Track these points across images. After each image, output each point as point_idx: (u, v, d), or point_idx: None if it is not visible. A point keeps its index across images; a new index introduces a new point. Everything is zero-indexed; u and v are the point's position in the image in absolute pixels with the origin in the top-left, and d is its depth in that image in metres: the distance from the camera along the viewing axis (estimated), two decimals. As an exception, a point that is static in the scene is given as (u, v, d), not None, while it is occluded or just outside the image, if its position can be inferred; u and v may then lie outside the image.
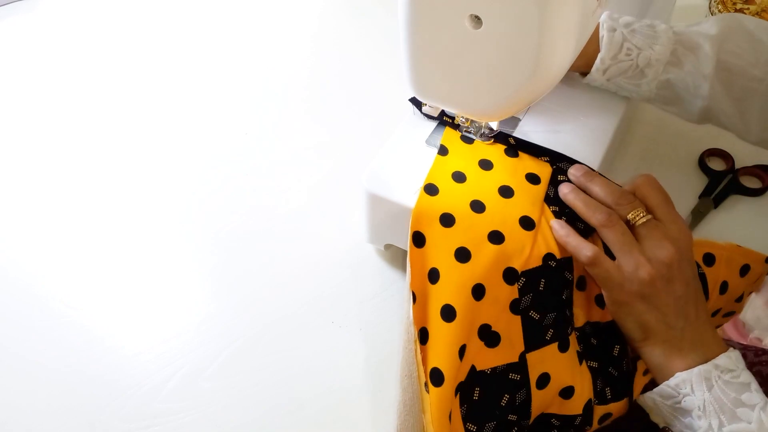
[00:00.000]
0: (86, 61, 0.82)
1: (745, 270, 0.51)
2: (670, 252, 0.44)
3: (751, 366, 0.46)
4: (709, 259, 0.50)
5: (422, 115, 0.56)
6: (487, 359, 0.45)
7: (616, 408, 0.48)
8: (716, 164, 0.68)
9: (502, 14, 0.39)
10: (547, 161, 0.52)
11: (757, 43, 0.52)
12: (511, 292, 0.46)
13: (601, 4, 0.44)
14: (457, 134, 0.54)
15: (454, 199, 0.48)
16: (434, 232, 0.46)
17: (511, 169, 0.51)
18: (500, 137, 0.53)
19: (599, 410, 0.47)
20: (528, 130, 0.57)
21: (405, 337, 0.45)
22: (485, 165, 0.51)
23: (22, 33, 0.86)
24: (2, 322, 0.58)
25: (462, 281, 0.45)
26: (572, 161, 0.52)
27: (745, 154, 0.67)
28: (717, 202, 0.64)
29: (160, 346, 0.56)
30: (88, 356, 0.56)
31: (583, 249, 0.46)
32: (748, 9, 0.81)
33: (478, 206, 0.48)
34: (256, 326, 0.57)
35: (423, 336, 0.44)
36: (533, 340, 0.46)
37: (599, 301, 0.49)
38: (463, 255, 0.45)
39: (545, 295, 0.46)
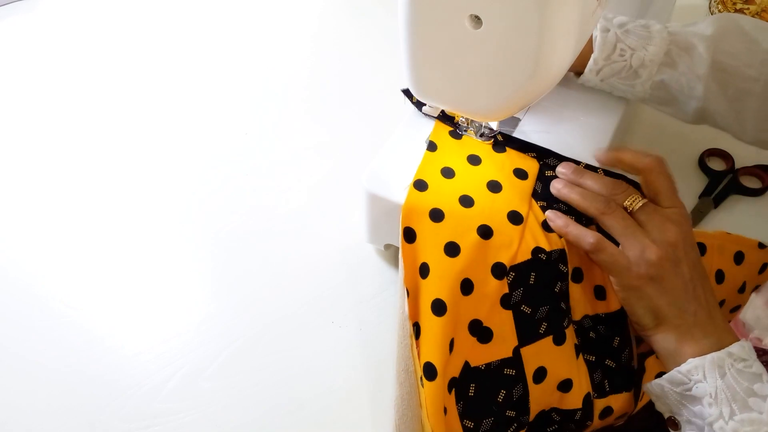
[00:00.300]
0: (86, 61, 0.82)
1: (739, 257, 0.52)
2: (674, 233, 0.44)
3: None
4: (700, 248, 0.50)
5: (414, 108, 0.56)
6: (480, 355, 0.45)
7: (618, 402, 0.47)
8: (716, 164, 0.68)
9: (502, 14, 0.39)
10: (534, 157, 0.52)
11: (753, 43, 0.52)
12: (501, 286, 0.46)
13: (601, 4, 0.44)
14: (446, 130, 0.54)
15: (443, 194, 0.49)
16: (424, 227, 0.47)
17: (499, 165, 0.51)
18: (516, 143, 0.53)
19: (599, 404, 0.47)
20: (528, 130, 0.57)
21: (400, 332, 0.46)
22: (473, 160, 0.52)
23: (22, 33, 0.86)
24: (2, 322, 0.58)
25: (451, 275, 0.45)
26: (559, 156, 0.52)
27: (745, 154, 0.67)
28: (717, 202, 0.64)
29: (160, 346, 0.56)
30: (88, 356, 0.56)
31: (585, 236, 0.46)
32: (748, 9, 0.81)
33: (466, 201, 0.48)
34: (256, 326, 0.57)
35: (416, 331, 0.44)
36: (526, 334, 0.46)
37: (598, 293, 0.49)
38: (452, 249, 0.46)
39: (536, 288, 0.46)
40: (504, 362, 0.46)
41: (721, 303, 0.52)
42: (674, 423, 0.44)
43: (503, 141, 0.53)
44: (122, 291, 0.60)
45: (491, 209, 0.48)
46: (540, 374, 0.46)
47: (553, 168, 0.51)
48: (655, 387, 0.44)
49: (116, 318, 0.58)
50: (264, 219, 0.65)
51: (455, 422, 0.44)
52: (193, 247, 0.63)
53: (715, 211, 0.64)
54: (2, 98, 0.78)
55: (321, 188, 0.67)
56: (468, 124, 0.54)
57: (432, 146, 0.52)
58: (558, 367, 0.46)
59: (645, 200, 0.46)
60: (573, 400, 0.46)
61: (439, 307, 0.44)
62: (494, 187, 0.50)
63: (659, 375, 0.45)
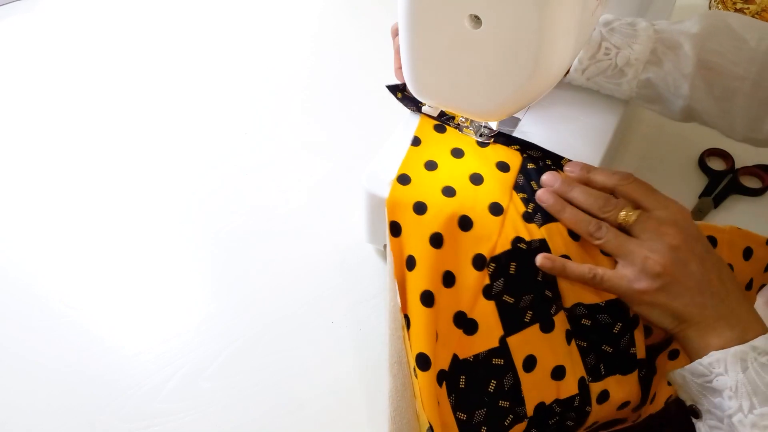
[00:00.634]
0: (85, 61, 0.82)
1: (748, 253, 0.51)
2: (673, 235, 0.44)
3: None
4: (711, 242, 0.50)
5: (401, 104, 0.56)
6: (468, 347, 0.46)
7: (616, 386, 0.47)
8: (716, 164, 0.68)
9: (501, 14, 0.39)
10: (517, 150, 0.52)
11: (741, 41, 0.52)
12: (482, 277, 0.46)
13: (601, 4, 0.44)
14: (430, 124, 0.54)
15: (426, 186, 0.49)
16: (409, 220, 0.47)
17: (482, 158, 0.51)
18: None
19: (595, 388, 0.47)
20: (528, 130, 0.57)
21: (392, 325, 0.46)
22: (457, 153, 0.52)
23: (22, 33, 0.86)
24: (2, 322, 0.58)
25: (436, 266, 0.45)
26: (541, 149, 0.52)
27: (745, 154, 0.67)
28: (717, 202, 0.64)
29: (160, 346, 0.56)
30: (88, 356, 0.56)
31: (581, 225, 0.46)
32: (748, 9, 0.81)
33: (449, 192, 0.49)
34: (256, 326, 0.57)
35: (406, 323, 0.45)
36: (511, 323, 0.46)
37: None
38: (436, 241, 0.46)
39: (517, 278, 0.46)
40: (491, 352, 0.46)
41: None
42: (695, 411, 0.44)
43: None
44: (122, 291, 0.60)
45: (473, 201, 0.48)
46: (530, 362, 0.46)
47: (536, 161, 0.51)
48: (677, 376, 0.44)
49: (116, 318, 0.58)
50: (264, 219, 0.65)
51: (448, 415, 0.44)
52: (193, 247, 0.63)
53: (715, 211, 0.64)
54: (2, 98, 0.78)
55: (321, 188, 0.67)
56: (468, 124, 0.54)
57: (416, 141, 0.53)
58: (548, 355, 0.46)
59: (638, 211, 0.46)
60: (569, 387, 0.46)
61: (427, 299, 0.44)
62: (476, 179, 0.50)
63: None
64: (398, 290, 0.45)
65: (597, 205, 0.47)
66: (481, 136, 0.53)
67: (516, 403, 0.46)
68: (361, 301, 0.59)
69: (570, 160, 0.51)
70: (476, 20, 0.40)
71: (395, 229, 0.47)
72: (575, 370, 0.47)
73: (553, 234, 0.47)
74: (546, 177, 0.49)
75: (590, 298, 0.47)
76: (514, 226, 0.47)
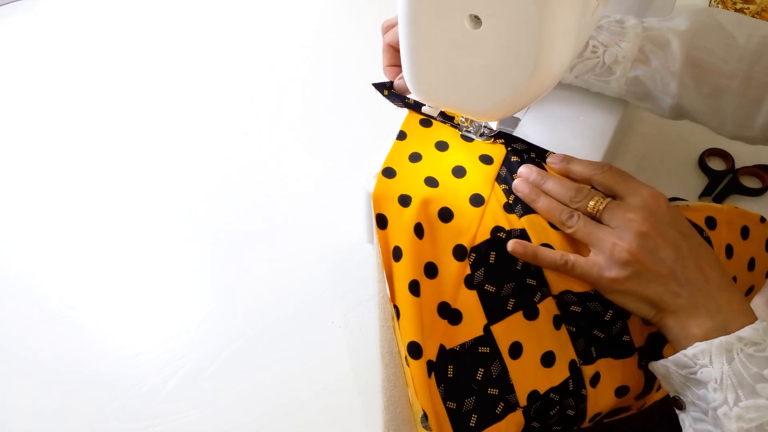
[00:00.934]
0: (85, 61, 0.82)
1: (745, 232, 0.51)
2: (640, 222, 0.43)
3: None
4: (711, 222, 0.50)
5: (388, 100, 0.56)
6: (454, 337, 0.46)
7: (607, 367, 0.47)
8: (716, 164, 0.68)
9: (501, 14, 0.39)
10: (501, 143, 0.53)
11: (730, 38, 0.51)
12: (463, 268, 0.46)
13: (601, 4, 0.44)
14: (416, 118, 0.54)
15: (409, 178, 0.49)
16: (394, 212, 0.47)
17: (466, 150, 0.52)
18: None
19: (588, 370, 0.47)
20: (528, 130, 0.57)
21: (381, 316, 0.46)
22: (441, 146, 0.52)
23: (21, 33, 0.86)
24: (2, 322, 0.58)
25: (420, 257, 0.46)
26: (525, 142, 0.52)
27: (745, 154, 0.67)
28: (717, 202, 0.64)
29: (160, 346, 0.56)
30: (88, 356, 0.56)
31: (554, 213, 0.46)
32: (748, 9, 0.81)
33: (431, 182, 0.49)
34: (256, 326, 0.57)
35: (396, 313, 0.45)
36: (494, 312, 0.46)
37: None
38: (419, 231, 0.46)
39: (497, 267, 0.46)
40: (477, 341, 0.46)
41: (734, 279, 0.51)
42: (679, 403, 0.43)
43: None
44: (122, 291, 0.60)
45: (454, 193, 0.48)
46: (516, 350, 0.46)
47: (520, 154, 0.51)
48: (660, 367, 0.43)
49: (116, 318, 0.58)
50: (264, 219, 0.65)
51: (439, 405, 0.44)
52: (193, 247, 0.63)
53: (715, 210, 0.64)
54: (2, 98, 0.78)
55: (321, 188, 0.67)
56: (468, 124, 0.54)
57: (402, 135, 0.53)
58: (534, 342, 0.46)
59: (608, 199, 0.45)
60: (560, 371, 0.46)
61: (415, 288, 0.45)
62: (458, 172, 0.50)
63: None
64: (388, 281, 0.46)
65: (569, 195, 0.46)
66: (481, 135, 0.53)
67: (505, 391, 0.46)
68: (361, 301, 0.59)
69: (553, 153, 0.51)
70: (476, 20, 0.40)
71: (381, 221, 0.47)
72: (565, 354, 0.47)
73: (534, 224, 0.47)
74: (523, 168, 0.49)
75: (579, 286, 0.47)
76: (494, 216, 0.48)
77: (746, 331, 0.40)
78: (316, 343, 0.56)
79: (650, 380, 0.48)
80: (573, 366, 0.47)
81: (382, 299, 0.46)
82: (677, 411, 0.43)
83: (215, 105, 0.76)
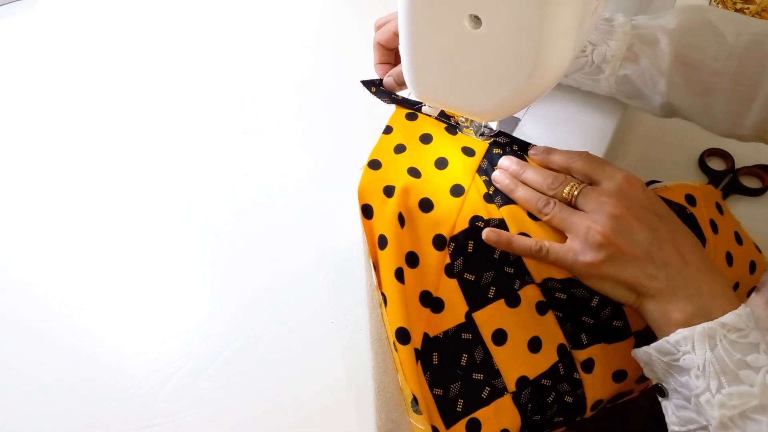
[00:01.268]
0: (85, 61, 0.82)
1: (719, 207, 0.52)
2: (613, 204, 0.43)
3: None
4: (691, 199, 0.50)
5: (375, 97, 0.56)
6: (437, 325, 0.46)
7: (601, 353, 0.47)
8: (716, 164, 0.68)
9: (501, 14, 0.39)
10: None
11: (720, 36, 0.51)
12: (443, 257, 0.47)
13: (601, 3, 0.44)
14: (402, 113, 0.54)
15: (394, 169, 0.50)
16: (379, 202, 0.48)
17: (449, 143, 0.52)
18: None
19: (579, 355, 0.47)
20: (528, 131, 0.57)
21: (370, 304, 0.47)
22: (425, 138, 0.52)
23: (21, 33, 0.86)
24: (2, 322, 0.58)
25: (402, 246, 0.46)
26: (508, 135, 0.52)
27: (745, 154, 0.67)
28: (717, 202, 0.64)
29: (160, 346, 0.56)
30: (88, 356, 0.56)
31: (530, 202, 0.46)
32: (748, 9, 0.81)
33: (414, 173, 0.49)
34: (256, 326, 0.57)
35: (383, 300, 0.45)
36: (475, 300, 0.47)
37: None
38: (401, 220, 0.47)
39: (475, 256, 0.47)
40: (459, 328, 0.46)
41: (728, 257, 0.51)
42: (661, 390, 0.43)
43: (456, 124, 0.54)
44: (122, 291, 0.60)
45: (436, 184, 0.49)
46: (499, 337, 0.46)
47: (503, 146, 0.52)
48: (643, 354, 0.43)
49: (116, 318, 0.58)
50: (264, 219, 0.65)
51: (427, 392, 0.45)
52: (193, 247, 0.63)
53: (715, 210, 0.64)
54: (1, 98, 0.78)
55: (321, 188, 0.67)
56: (468, 124, 0.54)
57: (388, 129, 0.53)
58: (519, 328, 0.47)
59: (584, 184, 0.45)
60: (548, 356, 0.47)
61: (400, 275, 0.45)
62: (441, 163, 0.50)
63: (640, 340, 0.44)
64: (373, 270, 0.46)
65: (546, 183, 0.47)
66: (481, 135, 0.53)
67: (491, 376, 0.46)
68: (361, 301, 0.58)
69: (535, 145, 0.51)
70: (476, 20, 0.40)
71: (367, 211, 0.48)
72: (553, 339, 0.47)
73: (513, 214, 0.47)
74: (503, 160, 0.50)
75: (561, 273, 0.47)
76: (473, 207, 0.48)
77: (729, 317, 0.39)
78: (316, 343, 0.56)
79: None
80: (562, 350, 0.47)
81: (370, 287, 0.47)
82: (660, 399, 0.43)
83: (215, 105, 0.76)
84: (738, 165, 0.67)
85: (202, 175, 0.69)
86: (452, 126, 0.53)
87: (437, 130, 0.53)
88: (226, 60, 0.82)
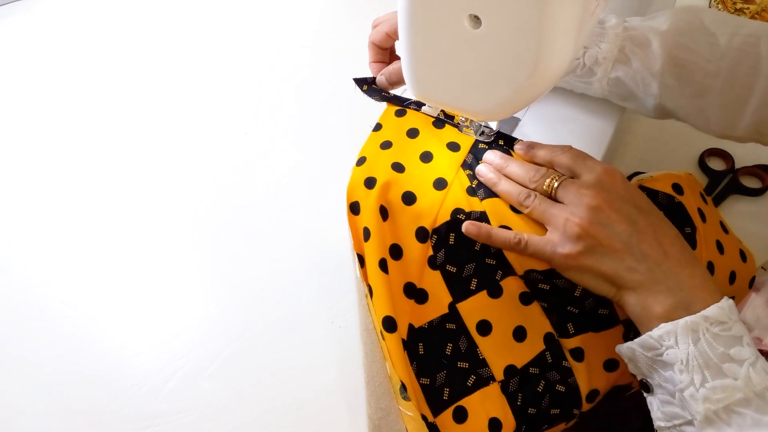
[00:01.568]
0: (85, 61, 0.82)
1: (703, 197, 0.52)
2: (592, 196, 0.43)
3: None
4: (678, 188, 0.50)
5: (366, 95, 0.57)
6: (421, 316, 0.47)
7: (590, 342, 0.47)
8: (716, 164, 0.68)
9: (501, 14, 0.39)
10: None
11: (712, 37, 0.51)
12: (426, 249, 0.47)
13: (600, 4, 0.44)
14: (392, 110, 0.55)
15: (378, 163, 0.50)
16: (363, 195, 0.48)
17: (435, 137, 0.52)
18: (500, 137, 0.54)
19: (567, 343, 0.47)
20: (528, 131, 0.57)
21: (357, 296, 0.48)
22: (411, 133, 0.52)
23: (21, 33, 0.86)
24: (2, 322, 0.58)
25: (385, 237, 0.47)
26: (497, 133, 0.52)
27: (745, 154, 0.67)
28: (717, 202, 0.64)
29: (160, 346, 0.56)
30: (87, 356, 0.56)
31: (512, 196, 0.46)
32: (748, 9, 0.81)
33: (398, 167, 0.50)
34: (256, 326, 0.57)
35: (370, 291, 0.46)
36: (458, 291, 0.47)
37: None
38: (384, 212, 0.47)
39: (456, 248, 0.47)
40: (443, 318, 0.47)
41: (719, 245, 0.51)
42: (646, 386, 0.42)
43: (443, 118, 0.54)
44: (122, 291, 0.60)
45: (419, 178, 0.49)
46: (484, 327, 0.47)
47: (488, 142, 0.52)
48: (626, 350, 0.42)
49: (116, 318, 0.58)
50: (264, 219, 0.65)
51: (414, 383, 0.45)
52: (193, 247, 0.63)
53: (715, 210, 0.64)
54: (1, 98, 0.78)
55: (321, 188, 0.67)
56: (468, 124, 0.54)
57: (377, 127, 0.54)
58: (503, 319, 0.47)
59: (564, 177, 0.45)
60: (535, 344, 0.47)
61: (384, 265, 0.46)
62: (425, 157, 0.51)
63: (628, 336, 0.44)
64: (357, 262, 0.47)
65: (528, 176, 0.47)
66: (482, 135, 0.53)
67: (476, 365, 0.46)
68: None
69: (521, 140, 0.51)
70: (476, 20, 0.40)
71: (355, 208, 0.48)
72: (538, 328, 0.47)
73: (495, 207, 0.47)
74: (487, 154, 0.50)
75: (542, 264, 0.47)
76: (456, 200, 0.48)
77: (711, 311, 0.39)
78: (316, 343, 0.56)
79: None
80: (549, 338, 0.47)
81: (356, 279, 0.47)
82: (645, 395, 0.43)
83: (215, 105, 0.76)
84: (738, 165, 0.67)
85: (202, 175, 0.69)
86: (440, 120, 0.54)
87: (424, 125, 0.53)
88: (226, 60, 0.82)
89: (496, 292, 0.47)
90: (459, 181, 0.49)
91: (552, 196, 0.46)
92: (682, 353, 0.38)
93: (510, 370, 0.47)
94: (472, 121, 0.53)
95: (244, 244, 0.63)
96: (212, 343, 0.56)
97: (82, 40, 0.85)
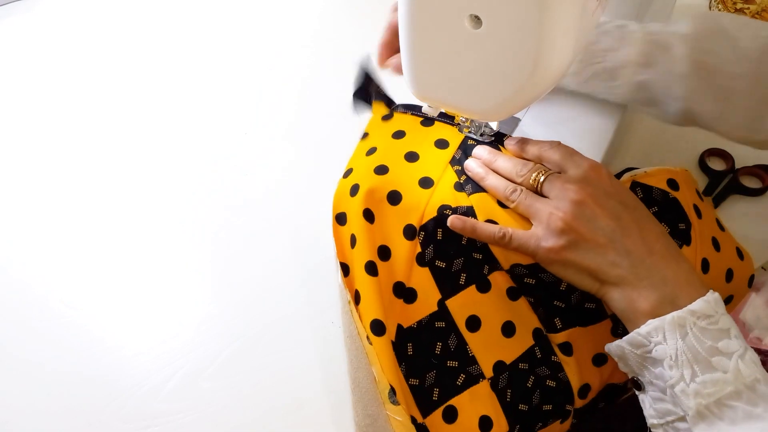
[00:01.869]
0: (85, 61, 0.82)
1: (699, 193, 0.52)
2: (576, 191, 0.43)
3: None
4: (673, 184, 0.50)
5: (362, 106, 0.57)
6: (410, 315, 0.47)
7: (578, 337, 0.47)
8: (716, 164, 0.68)
9: (501, 14, 0.39)
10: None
11: (735, 40, 0.51)
12: (414, 246, 0.47)
13: (601, 4, 0.44)
14: (379, 115, 0.55)
15: (361, 170, 0.50)
16: (348, 204, 0.49)
17: (422, 137, 0.52)
18: (500, 137, 0.54)
19: (555, 338, 0.47)
20: (528, 131, 0.57)
21: (341, 303, 0.48)
22: (397, 135, 0.53)
23: (21, 33, 0.86)
24: (2, 322, 0.58)
25: (372, 240, 0.47)
26: (496, 132, 0.52)
27: (745, 154, 0.67)
28: (717, 202, 0.64)
29: (160, 346, 0.56)
30: (87, 356, 0.56)
31: (498, 191, 0.46)
32: (748, 9, 0.81)
33: (381, 170, 0.50)
34: (256, 326, 0.57)
35: (357, 297, 0.46)
36: (447, 287, 0.47)
37: None
38: (369, 216, 0.47)
39: (444, 243, 0.47)
40: (432, 316, 0.47)
41: (714, 242, 0.51)
42: (637, 384, 0.42)
43: (432, 117, 0.54)
44: (122, 291, 0.60)
45: (404, 177, 0.49)
46: (473, 323, 0.47)
47: (476, 139, 0.52)
48: (616, 348, 0.42)
49: (116, 318, 0.58)
50: (264, 219, 0.65)
51: (403, 384, 0.45)
52: (193, 247, 0.63)
53: (714, 211, 0.64)
54: (1, 98, 0.78)
55: (321, 188, 0.67)
56: (468, 124, 0.54)
57: (364, 135, 0.54)
58: (492, 314, 0.47)
59: (550, 172, 0.45)
60: (523, 339, 0.47)
61: (371, 267, 0.46)
62: (411, 157, 0.51)
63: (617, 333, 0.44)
64: (340, 270, 0.47)
65: (515, 170, 0.47)
66: (482, 135, 0.53)
67: (465, 363, 0.46)
68: (361, 301, 0.59)
69: (511, 136, 0.51)
70: (476, 20, 0.40)
71: (341, 219, 0.49)
72: (527, 323, 0.47)
73: (482, 202, 0.48)
74: (477, 149, 0.50)
75: (527, 258, 0.47)
76: (443, 196, 0.48)
77: (698, 305, 0.39)
78: (317, 343, 0.56)
79: None
80: (538, 334, 0.47)
81: (339, 287, 0.48)
82: (637, 392, 0.43)
83: (215, 105, 0.76)
84: (738, 165, 0.67)
85: (202, 175, 0.69)
86: (429, 119, 0.54)
87: (412, 125, 0.53)
88: (226, 60, 0.82)
89: (484, 287, 0.47)
90: (447, 178, 0.49)
91: (538, 191, 0.46)
92: (670, 349, 0.38)
93: (499, 366, 0.47)
94: (472, 121, 0.53)
95: (244, 244, 0.63)
96: (212, 343, 0.56)
97: (82, 40, 0.85)
